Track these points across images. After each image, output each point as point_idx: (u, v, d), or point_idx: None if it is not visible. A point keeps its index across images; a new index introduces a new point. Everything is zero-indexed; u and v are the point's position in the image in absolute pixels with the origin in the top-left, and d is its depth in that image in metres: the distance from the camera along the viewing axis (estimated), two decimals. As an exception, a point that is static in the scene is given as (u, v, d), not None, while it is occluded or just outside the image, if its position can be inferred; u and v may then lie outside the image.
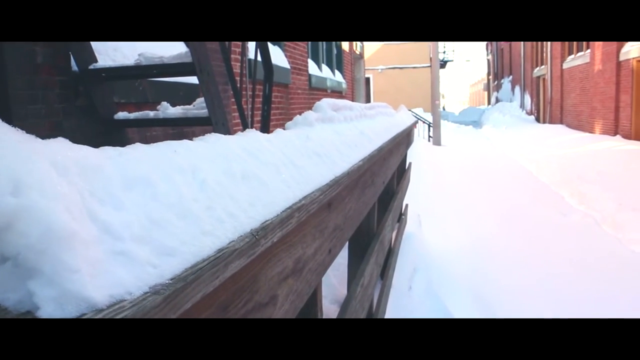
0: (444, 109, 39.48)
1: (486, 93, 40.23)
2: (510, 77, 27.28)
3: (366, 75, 16.56)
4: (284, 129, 1.44)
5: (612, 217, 7.07)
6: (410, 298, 4.06)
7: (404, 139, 3.93)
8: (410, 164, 5.67)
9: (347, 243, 2.92)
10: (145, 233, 0.57)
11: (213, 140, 0.92)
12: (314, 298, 1.38)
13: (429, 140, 14.66)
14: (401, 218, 4.75)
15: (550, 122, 19.11)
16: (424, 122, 15.88)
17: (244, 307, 0.82)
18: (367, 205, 2.12)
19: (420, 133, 15.36)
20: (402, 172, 4.61)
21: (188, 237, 0.62)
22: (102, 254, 0.51)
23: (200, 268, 0.58)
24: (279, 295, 1.00)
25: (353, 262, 2.62)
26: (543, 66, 20.20)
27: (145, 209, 0.61)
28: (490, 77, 36.20)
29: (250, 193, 0.84)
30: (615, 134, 13.60)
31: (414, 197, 6.92)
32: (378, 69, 25.23)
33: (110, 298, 0.47)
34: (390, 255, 3.72)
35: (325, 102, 1.81)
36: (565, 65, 17.61)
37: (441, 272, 4.57)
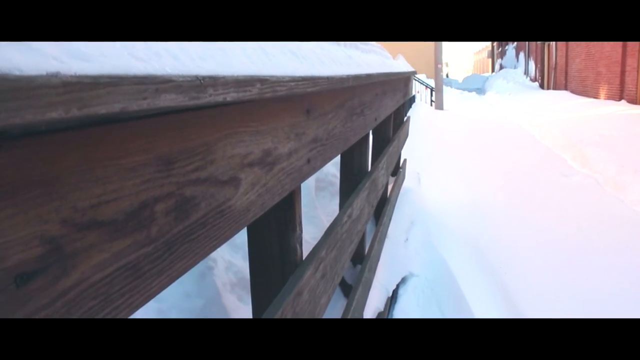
0: (447, 76, 39.05)
1: (490, 60, 39.74)
2: (515, 43, 26.88)
3: (368, 40, 16.27)
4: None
5: (614, 178, 7.01)
6: (407, 249, 4.02)
7: (401, 85, 3.83)
8: (409, 117, 5.57)
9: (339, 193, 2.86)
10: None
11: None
12: (290, 204, 1.31)
13: (431, 105, 14.50)
14: (399, 171, 4.67)
15: (555, 88, 18.90)
16: (426, 86, 15.68)
17: (195, 172, 0.75)
18: (356, 134, 2.04)
19: (423, 98, 15.20)
20: (399, 124, 4.52)
21: (112, 53, 0.54)
22: (-7, 35, 0.43)
23: (121, 78, 0.51)
24: (242, 179, 0.93)
25: (344, 201, 2.56)
26: (548, 31, 19.84)
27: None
28: (495, 44, 35.71)
29: (204, 51, 0.76)
30: (620, 98, 13.44)
31: (414, 157, 6.84)
32: (381, 35, 24.78)
33: (-9, 66, 0.40)
34: (385, 204, 3.66)
35: (310, 18, 1.71)
36: (571, 30, 17.29)
37: (439, 226, 4.52)
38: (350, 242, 2.04)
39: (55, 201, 0.49)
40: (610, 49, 13.92)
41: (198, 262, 0.77)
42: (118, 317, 0.58)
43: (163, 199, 0.67)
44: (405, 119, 5.08)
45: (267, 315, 1.14)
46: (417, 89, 15.29)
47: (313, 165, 1.41)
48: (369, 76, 2.03)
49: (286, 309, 1.20)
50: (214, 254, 1.97)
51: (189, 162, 0.74)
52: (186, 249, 0.73)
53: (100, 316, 0.55)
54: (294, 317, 1.27)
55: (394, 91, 3.38)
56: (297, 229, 1.41)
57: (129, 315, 0.61)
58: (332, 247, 1.68)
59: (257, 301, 1.42)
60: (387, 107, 3.05)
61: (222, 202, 0.84)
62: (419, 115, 11.47)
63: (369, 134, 2.68)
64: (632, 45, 12.78)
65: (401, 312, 3.29)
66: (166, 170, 0.68)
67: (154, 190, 0.65)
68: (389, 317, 3.23)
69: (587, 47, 15.92)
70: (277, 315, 1.15)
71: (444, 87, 16.48)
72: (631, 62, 12.82)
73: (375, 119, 2.56)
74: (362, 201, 2.29)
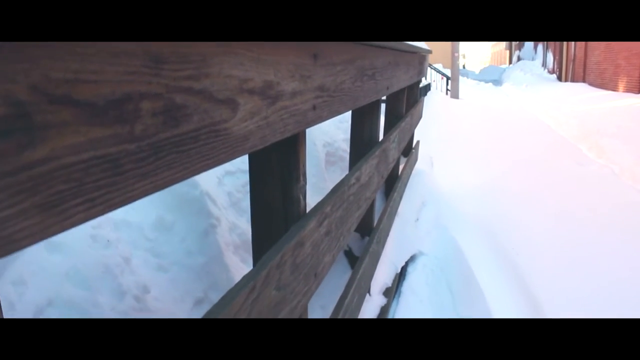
0: (464, 67, 38.72)
1: (508, 52, 39.32)
2: (534, 35, 26.51)
3: (385, 28, 16.12)
4: None
5: (631, 169, 6.91)
6: (417, 229, 3.96)
7: (415, 62, 3.77)
8: (423, 98, 5.49)
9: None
10: None
11: None
12: (294, 150, 1.27)
13: (446, 94, 14.37)
14: (411, 151, 4.61)
15: (573, 81, 18.65)
16: (442, 76, 15.55)
17: (187, 80, 0.71)
18: (366, 96, 1.99)
19: (439, 87, 15.08)
20: (413, 103, 4.46)
21: None
22: None
23: None
24: (240, 104, 0.88)
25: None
26: (568, 23, 19.57)
27: None
28: (513, 36, 35.15)
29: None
30: (639, 91, 13.23)
31: (427, 142, 6.77)
32: (398, 24, 24.57)
33: None
34: (396, 181, 3.61)
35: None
36: (591, 21, 17.04)
37: (450, 208, 4.46)
38: (358, 208, 2.00)
39: (24, 62, 0.45)
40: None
41: (188, 176, 0.73)
42: (92, 210, 0.54)
43: (150, 97, 0.63)
44: (418, 98, 5.01)
45: (266, 259, 1.10)
46: (433, 78, 15.15)
47: (319, 114, 1.36)
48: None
49: (286, 254, 1.16)
50: (217, 213, 1.94)
51: (181, 68, 0.69)
52: (175, 159, 0.69)
53: (72, 204, 0.51)
54: (294, 267, 1.23)
55: (408, 65, 3.31)
56: (301, 179, 1.36)
57: (106, 211, 0.57)
58: (338, 206, 1.64)
59: (258, 252, 1.38)
60: (400, 80, 2.99)
61: (217, 121, 0.80)
62: (434, 102, 11.34)
63: (380, 102, 2.63)
64: (653, 36, 12.54)
65: (409, 289, 3.24)
66: (155, 67, 0.64)
67: (139, 85, 0.61)
68: (397, 293, 3.19)
69: (607, 39, 15.66)
70: (276, 260, 1.11)
71: (460, 78, 16.32)
72: (652, 54, 12.60)
73: (388, 88, 2.50)
74: (372, 168, 2.24)
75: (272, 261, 1.09)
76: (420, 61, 4.13)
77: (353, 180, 1.87)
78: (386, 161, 2.66)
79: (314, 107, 1.31)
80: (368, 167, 2.15)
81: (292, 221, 1.36)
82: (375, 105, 2.53)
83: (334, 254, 1.64)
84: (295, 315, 1.28)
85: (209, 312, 0.88)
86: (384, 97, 3.08)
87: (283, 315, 1.17)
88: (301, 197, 1.38)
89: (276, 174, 1.32)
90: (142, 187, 0.62)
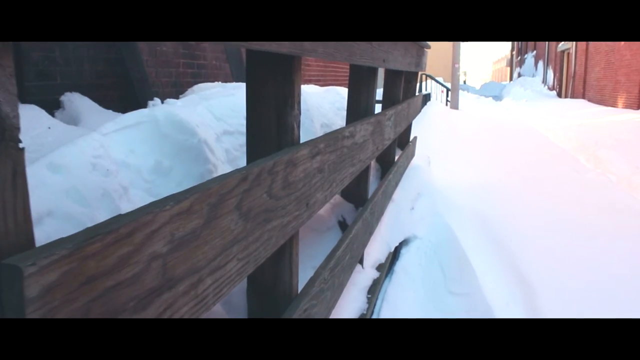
0: (464, 82, 38.98)
1: (509, 69, 39.61)
2: (534, 52, 26.77)
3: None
4: None
5: (628, 178, 6.99)
6: (412, 215, 4.00)
7: (413, 50, 3.83)
8: (421, 94, 5.55)
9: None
10: None
11: None
12: (290, 73, 1.32)
13: (446, 104, 14.48)
14: (408, 144, 4.67)
15: (572, 97, 18.79)
16: (442, 89, 15.70)
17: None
18: (361, 53, 2.05)
19: (438, 98, 15.20)
20: (410, 95, 4.52)
21: None
22: None
23: None
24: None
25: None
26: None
27: None
28: (514, 52, 35.58)
29: None
30: (638, 107, 13.35)
31: (425, 146, 6.81)
32: (400, 39, 24.77)
33: None
34: (392, 165, 3.65)
35: None
36: (591, 39, 17.19)
37: (446, 200, 4.50)
38: (352, 165, 2.04)
39: None
40: (631, 57, 13.81)
41: None
42: None
43: None
44: (416, 90, 5.08)
45: (259, 161, 1.14)
46: (433, 90, 15.29)
47: (313, 46, 1.41)
48: None
49: (278, 165, 1.21)
50: (214, 161, 1.99)
51: None
52: None
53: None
54: (286, 184, 1.28)
55: (406, 50, 3.38)
56: (296, 107, 1.41)
57: None
58: (331, 148, 1.68)
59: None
60: (397, 60, 3.05)
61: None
62: (433, 112, 11.41)
63: (376, 75, 2.69)
64: (652, 53, 12.68)
65: (402, 269, 3.28)
66: None
67: None
68: (390, 272, 3.22)
69: (606, 56, 15.81)
70: (269, 165, 1.15)
71: (461, 92, 16.46)
72: (651, 70, 12.72)
73: (384, 61, 2.56)
74: (366, 132, 2.29)
75: (265, 164, 1.13)
76: (418, 53, 4.20)
77: (347, 133, 1.92)
78: (381, 135, 2.71)
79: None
80: (362, 129, 2.20)
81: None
82: (372, 76, 2.59)
83: (327, 196, 1.69)
84: (287, 235, 1.32)
85: (201, 184, 0.92)
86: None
87: (273, 225, 1.21)
88: (295, 126, 1.43)
89: (271, 100, 1.36)
90: None
